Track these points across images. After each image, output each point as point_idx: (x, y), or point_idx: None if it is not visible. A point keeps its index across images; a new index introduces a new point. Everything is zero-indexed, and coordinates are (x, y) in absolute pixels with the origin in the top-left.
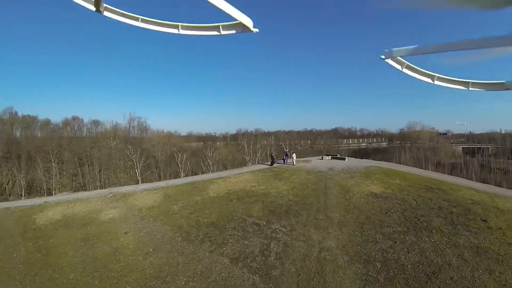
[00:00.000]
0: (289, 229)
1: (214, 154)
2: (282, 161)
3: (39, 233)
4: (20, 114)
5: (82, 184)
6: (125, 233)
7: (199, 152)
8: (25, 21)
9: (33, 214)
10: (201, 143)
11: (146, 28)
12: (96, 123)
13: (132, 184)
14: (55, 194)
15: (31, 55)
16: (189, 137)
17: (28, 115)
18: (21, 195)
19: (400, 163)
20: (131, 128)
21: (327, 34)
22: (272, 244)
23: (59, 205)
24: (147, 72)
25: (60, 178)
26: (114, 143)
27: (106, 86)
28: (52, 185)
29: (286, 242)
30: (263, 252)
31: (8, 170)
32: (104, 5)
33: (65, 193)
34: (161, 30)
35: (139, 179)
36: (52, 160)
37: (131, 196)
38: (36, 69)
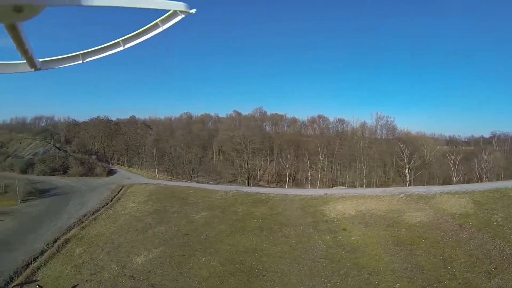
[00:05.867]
0: None
1: (488, 159)
2: None
3: (333, 226)
4: (269, 112)
5: (333, 180)
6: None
7: (470, 155)
8: None
9: (319, 205)
10: (454, 146)
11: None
12: (341, 121)
13: (401, 186)
14: (309, 186)
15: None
16: (438, 140)
17: (276, 114)
18: (271, 182)
19: None
20: (378, 127)
21: None
22: None
23: (344, 199)
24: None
25: (324, 172)
26: (367, 142)
27: (352, 85)
28: (309, 177)
29: None
30: None
31: (261, 159)
32: (40, 60)
33: (341, 187)
34: (104, 55)
35: (408, 180)
36: (307, 155)
37: (432, 198)
38: (283, 70)
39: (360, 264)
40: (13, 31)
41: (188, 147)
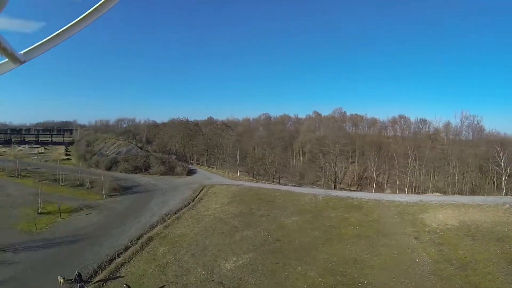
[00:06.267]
0: None
1: None
2: None
3: (436, 238)
4: (348, 113)
5: (416, 185)
6: None
7: None
8: None
9: (417, 213)
10: None
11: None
12: (423, 121)
13: (501, 195)
14: (397, 191)
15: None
16: None
17: (357, 114)
18: (351, 185)
19: None
20: (464, 127)
21: None
22: None
23: (443, 207)
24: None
25: (414, 176)
26: (450, 144)
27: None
28: (396, 181)
29: None
30: None
31: (342, 161)
32: (21, 53)
33: (436, 193)
34: (92, 21)
35: (504, 188)
36: (395, 158)
37: None
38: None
39: (473, 283)
40: None
41: (271, 148)
